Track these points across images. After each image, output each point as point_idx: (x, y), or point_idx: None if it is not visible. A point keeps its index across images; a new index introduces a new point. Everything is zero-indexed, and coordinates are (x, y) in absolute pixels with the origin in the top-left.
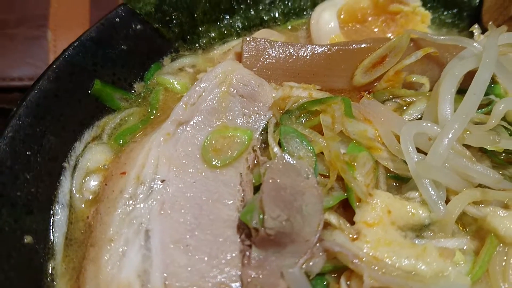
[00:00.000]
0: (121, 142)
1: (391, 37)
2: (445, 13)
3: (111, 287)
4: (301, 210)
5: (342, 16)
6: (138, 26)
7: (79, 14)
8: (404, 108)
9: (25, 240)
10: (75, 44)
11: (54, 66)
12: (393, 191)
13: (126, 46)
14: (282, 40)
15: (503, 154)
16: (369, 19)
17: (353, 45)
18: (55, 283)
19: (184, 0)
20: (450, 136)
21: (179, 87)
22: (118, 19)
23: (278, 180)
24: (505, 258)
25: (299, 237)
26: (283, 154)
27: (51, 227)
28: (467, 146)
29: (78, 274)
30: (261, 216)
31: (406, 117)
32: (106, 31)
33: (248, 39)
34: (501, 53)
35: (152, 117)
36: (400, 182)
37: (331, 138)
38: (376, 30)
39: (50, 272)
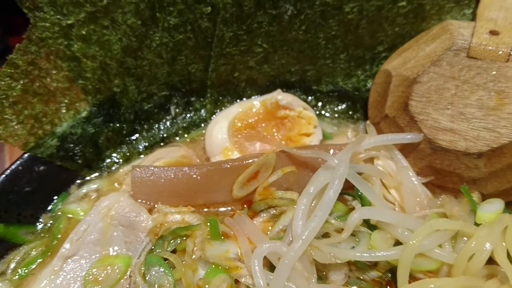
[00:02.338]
0: (18, 277)
1: (282, 142)
2: (340, 105)
3: None
4: None
5: (236, 122)
6: (41, 167)
7: None
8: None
9: None
10: None
11: None
12: None
13: (30, 187)
14: (181, 154)
15: None
16: (262, 125)
17: (227, 164)
18: None
19: (86, 134)
20: (290, 258)
21: (82, 214)
22: (20, 167)
23: None
24: None
25: None
26: (144, 286)
27: None
28: None
29: None
30: None
31: (277, 228)
32: (8, 181)
33: (135, 167)
34: (366, 158)
35: (53, 247)
36: None
37: (188, 265)
38: (269, 136)
39: None
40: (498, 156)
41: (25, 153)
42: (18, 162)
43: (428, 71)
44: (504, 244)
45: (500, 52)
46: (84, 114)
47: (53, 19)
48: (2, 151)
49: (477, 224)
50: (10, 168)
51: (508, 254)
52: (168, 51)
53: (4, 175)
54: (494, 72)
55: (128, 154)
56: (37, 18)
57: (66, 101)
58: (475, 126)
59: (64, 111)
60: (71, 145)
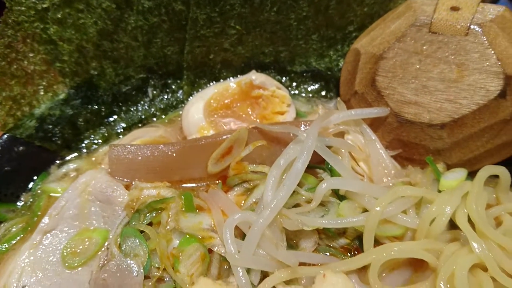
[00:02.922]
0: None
1: (257, 120)
2: (313, 85)
3: None
4: None
5: (212, 102)
6: (21, 148)
7: None
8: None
9: None
10: None
11: None
12: (226, 273)
13: (10, 167)
14: (159, 134)
15: None
16: (238, 104)
17: (202, 141)
18: None
19: (65, 115)
20: (259, 225)
21: (62, 192)
22: (0, 147)
23: (109, 280)
24: None
25: None
26: (120, 255)
27: None
28: None
29: None
30: None
31: (250, 200)
32: None
33: (113, 146)
34: (334, 133)
35: (34, 223)
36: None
37: (162, 235)
38: (244, 115)
39: None
40: (460, 126)
41: (4, 133)
42: None
43: (393, 47)
44: (465, 210)
45: (459, 26)
46: (62, 96)
47: (29, 3)
48: None
49: (440, 192)
50: None
51: (469, 219)
52: (143, 34)
53: None
54: (454, 46)
55: (106, 135)
56: (13, 2)
57: (44, 83)
58: (438, 98)
59: (42, 93)
60: (50, 126)
